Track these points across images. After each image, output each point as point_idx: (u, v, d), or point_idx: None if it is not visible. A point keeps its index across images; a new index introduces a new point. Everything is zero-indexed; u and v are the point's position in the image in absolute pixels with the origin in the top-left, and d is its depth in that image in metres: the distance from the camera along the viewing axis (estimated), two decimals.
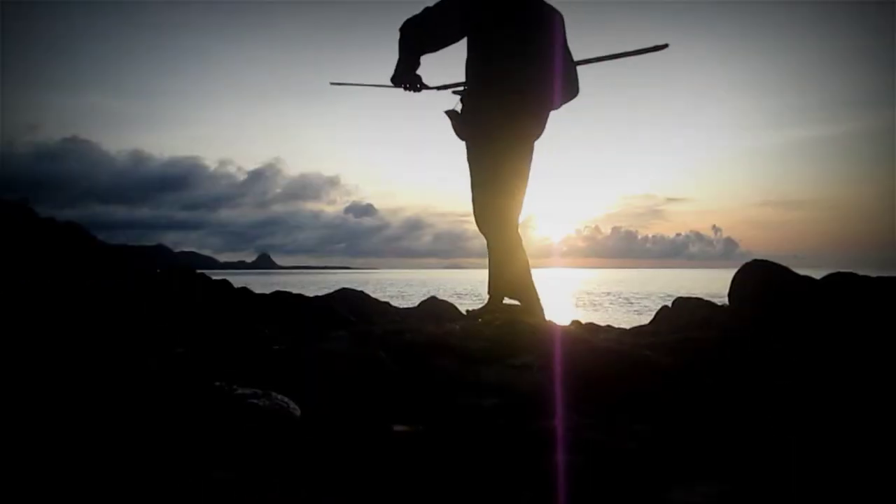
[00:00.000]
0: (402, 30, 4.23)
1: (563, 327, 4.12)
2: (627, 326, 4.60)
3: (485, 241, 4.18)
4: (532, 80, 4.01)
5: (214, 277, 6.51)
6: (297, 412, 1.80)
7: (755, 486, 1.38)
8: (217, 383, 1.89)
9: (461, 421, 1.90)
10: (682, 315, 4.09)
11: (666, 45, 4.32)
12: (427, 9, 4.18)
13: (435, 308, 5.71)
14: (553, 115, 4.16)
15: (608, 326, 4.57)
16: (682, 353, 2.73)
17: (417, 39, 4.20)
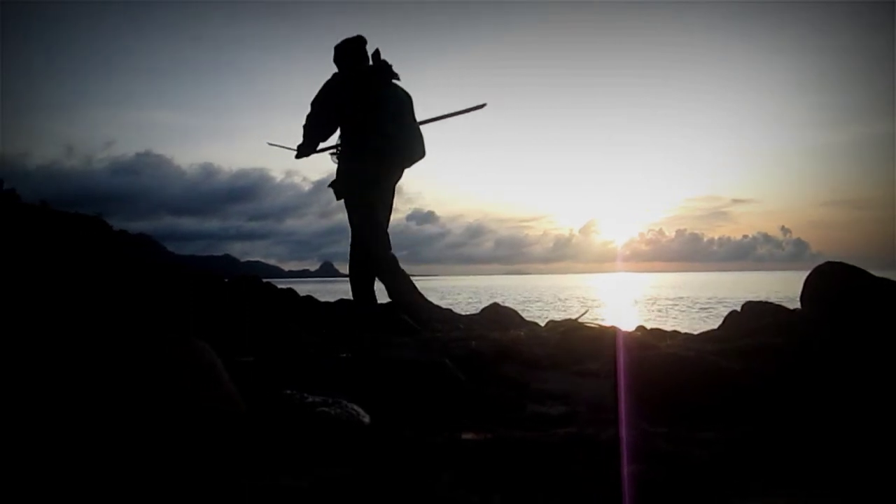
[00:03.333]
0: (304, 127, 5.64)
1: (629, 333, 4.08)
2: (695, 332, 4.51)
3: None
4: (397, 147, 5.42)
5: (280, 286, 6.65)
6: (367, 420, 1.83)
7: (827, 497, 1.34)
8: (287, 391, 1.93)
9: (529, 429, 1.90)
10: (752, 319, 3.98)
11: (484, 105, 5.78)
12: (311, 105, 5.56)
13: (498, 315, 5.72)
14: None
15: (674, 331, 4.49)
16: (753, 358, 2.66)
17: (315, 134, 5.65)
